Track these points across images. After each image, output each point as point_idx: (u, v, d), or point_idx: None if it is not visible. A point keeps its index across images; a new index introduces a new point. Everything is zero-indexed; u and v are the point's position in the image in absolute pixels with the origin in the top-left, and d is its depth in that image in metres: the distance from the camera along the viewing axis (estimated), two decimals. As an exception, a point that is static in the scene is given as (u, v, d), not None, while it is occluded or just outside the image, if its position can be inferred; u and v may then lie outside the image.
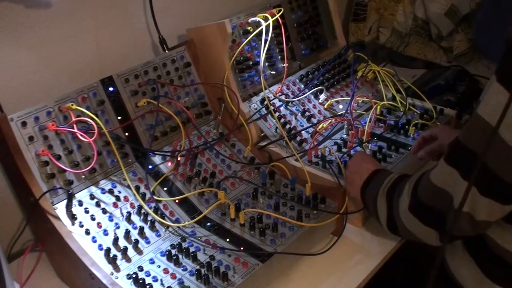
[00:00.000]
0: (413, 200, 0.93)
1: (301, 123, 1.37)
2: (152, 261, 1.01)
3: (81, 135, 1.07)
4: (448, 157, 0.87)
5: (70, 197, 1.05)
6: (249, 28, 1.37)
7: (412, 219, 0.94)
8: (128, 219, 1.07)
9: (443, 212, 0.88)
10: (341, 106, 1.46)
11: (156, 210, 1.10)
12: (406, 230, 0.96)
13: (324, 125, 1.37)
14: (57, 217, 1.02)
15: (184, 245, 1.04)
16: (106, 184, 1.11)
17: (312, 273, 1.06)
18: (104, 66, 1.28)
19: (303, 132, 1.34)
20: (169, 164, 1.19)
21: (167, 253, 1.02)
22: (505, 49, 0.78)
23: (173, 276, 0.97)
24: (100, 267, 0.96)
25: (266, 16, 1.37)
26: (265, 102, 1.34)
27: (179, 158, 1.19)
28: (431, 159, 1.27)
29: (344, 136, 1.37)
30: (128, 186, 1.12)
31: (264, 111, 1.34)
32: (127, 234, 1.04)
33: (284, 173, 1.23)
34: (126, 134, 1.18)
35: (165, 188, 1.16)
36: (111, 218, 1.06)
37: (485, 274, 0.94)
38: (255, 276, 0.98)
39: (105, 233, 1.03)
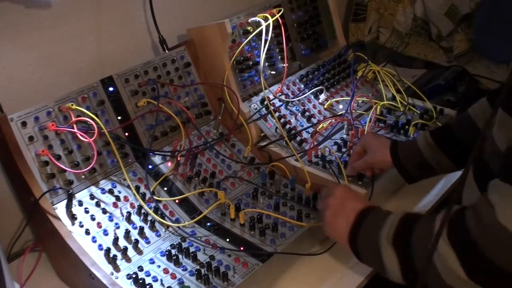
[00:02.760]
0: (468, 260, 0.72)
1: (301, 123, 1.37)
2: (152, 261, 1.01)
3: (81, 135, 1.07)
4: None
5: (70, 197, 1.05)
6: (249, 28, 1.37)
7: (472, 285, 0.73)
8: (128, 219, 1.07)
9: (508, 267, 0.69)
10: (341, 106, 1.46)
11: (156, 210, 1.10)
12: (445, 286, 0.77)
13: (324, 125, 1.37)
14: (57, 217, 1.02)
15: (184, 245, 1.04)
16: (106, 184, 1.11)
17: (312, 273, 1.06)
18: (104, 66, 1.28)
19: (303, 132, 1.34)
20: (169, 164, 1.19)
21: (167, 253, 1.02)
22: None
23: (173, 276, 0.97)
24: (100, 267, 0.96)
25: (266, 16, 1.37)
26: (265, 102, 1.34)
27: (179, 158, 1.19)
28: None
29: (344, 136, 1.37)
30: (128, 186, 1.12)
31: (264, 111, 1.34)
32: (127, 234, 1.04)
33: (284, 173, 1.23)
34: (126, 134, 1.18)
35: (165, 188, 1.16)
36: (111, 218, 1.06)
37: None
38: (255, 276, 0.98)
39: (105, 233, 1.03)
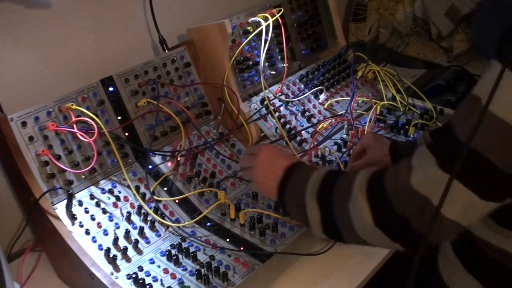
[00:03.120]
0: (379, 211, 0.78)
1: (301, 123, 1.37)
2: (152, 261, 1.01)
3: (81, 135, 1.07)
4: (444, 163, 0.73)
5: (70, 197, 1.05)
6: (249, 28, 1.37)
7: (378, 234, 0.80)
8: (128, 219, 1.07)
9: (414, 225, 0.76)
10: (341, 106, 1.46)
11: (156, 210, 1.10)
12: (359, 240, 0.83)
13: (324, 125, 1.37)
14: (57, 217, 1.02)
15: (184, 245, 1.04)
16: (106, 184, 1.11)
17: (312, 273, 1.06)
18: (104, 66, 1.28)
19: (303, 132, 1.34)
20: (169, 164, 1.19)
21: (167, 253, 1.02)
22: None
23: (173, 276, 0.97)
24: (100, 267, 0.96)
25: (266, 16, 1.37)
26: (265, 102, 1.34)
27: (179, 158, 1.19)
28: None
29: (344, 136, 1.37)
30: (128, 186, 1.12)
31: (264, 111, 1.34)
32: (127, 234, 1.04)
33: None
34: (126, 134, 1.17)
35: (165, 188, 1.16)
36: (111, 218, 1.06)
37: (479, 280, 0.91)
38: (255, 276, 0.98)
39: (105, 233, 1.03)
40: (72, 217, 1.03)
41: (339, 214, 0.84)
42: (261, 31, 1.34)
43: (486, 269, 0.90)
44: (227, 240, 1.05)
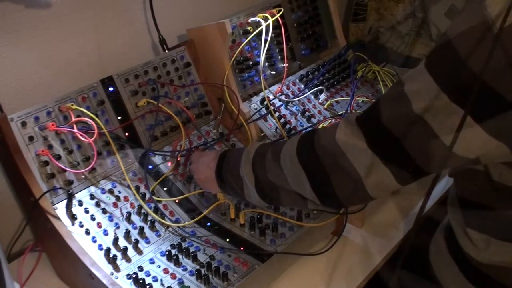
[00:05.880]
0: (308, 167, 0.87)
1: (301, 123, 1.37)
2: (152, 261, 1.01)
3: (81, 135, 1.07)
4: (372, 143, 0.80)
5: (70, 197, 1.05)
6: (249, 28, 1.37)
7: (313, 205, 0.91)
8: (128, 219, 1.07)
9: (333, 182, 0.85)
10: (341, 106, 1.46)
11: (156, 210, 1.10)
12: (296, 200, 0.93)
13: (324, 125, 1.37)
14: (57, 217, 1.02)
15: (184, 245, 1.04)
16: (106, 184, 1.11)
17: (312, 273, 1.06)
18: (104, 66, 1.28)
19: (303, 132, 1.34)
20: (169, 164, 1.20)
21: (167, 253, 1.02)
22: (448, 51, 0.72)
23: (173, 276, 0.97)
24: (100, 267, 0.96)
25: (266, 16, 1.37)
26: (265, 102, 1.34)
27: (179, 158, 1.19)
28: None
29: (344, 136, 1.37)
30: (128, 186, 1.12)
31: (264, 111, 1.34)
32: (127, 234, 1.04)
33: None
34: (126, 134, 1.18)
35: (165, 188, 1.16)
36: (111, 218, 1.06)
37: (468, 279, 0.95)
38: (255, 276, 0.98)
39: (105, 233, 1.03)
40: (72, 217, 1.03)
41: (273, 174, 0.92)
42: (261, 31, 1.34)
43: (474, 271, 0.94)
44: (227, 240, 1.06)
